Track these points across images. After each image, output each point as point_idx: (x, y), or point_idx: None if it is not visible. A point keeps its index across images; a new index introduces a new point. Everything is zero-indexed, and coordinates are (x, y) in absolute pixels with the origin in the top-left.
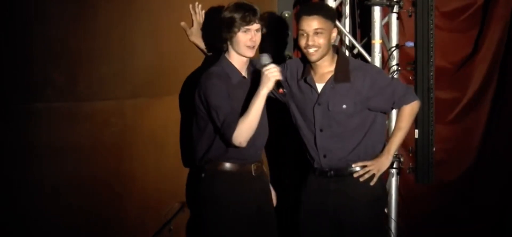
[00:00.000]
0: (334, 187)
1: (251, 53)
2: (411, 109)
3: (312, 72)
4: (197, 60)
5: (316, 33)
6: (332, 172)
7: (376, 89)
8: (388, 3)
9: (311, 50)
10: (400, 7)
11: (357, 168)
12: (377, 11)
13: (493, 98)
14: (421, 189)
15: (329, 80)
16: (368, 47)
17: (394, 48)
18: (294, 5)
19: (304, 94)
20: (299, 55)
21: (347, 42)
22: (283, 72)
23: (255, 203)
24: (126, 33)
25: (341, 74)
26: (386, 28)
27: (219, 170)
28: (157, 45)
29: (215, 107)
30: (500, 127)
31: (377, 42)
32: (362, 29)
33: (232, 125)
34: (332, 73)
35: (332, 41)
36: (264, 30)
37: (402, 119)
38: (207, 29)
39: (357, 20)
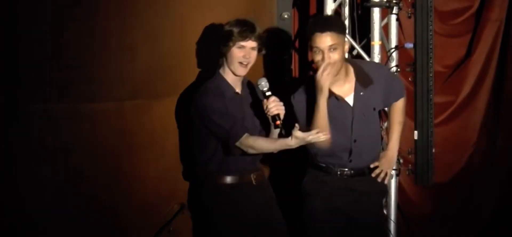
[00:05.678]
0: (352, 186)
1: (242, 72)
2: (403, 102)
3: (333, 88)
4: (196, 61)
5: (330, 49)
6: (352, 171)
7: (388, 82)
8: (387, 5)
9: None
10: (399, 9)
11: (372, 167)
12: (376, 12)
13: (488, 100)
14: (415, 191)
15: (356, 89)
16: (368, 49)
17: (393, 50)
18: (293, 6)
19: (336, 111)
20: (297, 66)
21: None
22: (297, 99)
23: (256, 212)
24: (125, 34)
25: (363, 78)
26: (385, 29)
27: (218, 183)
28: (156, 46)
29: (220, 123)
30: (499, 127)
31: (376, 43)
32: (361, 30)
33: (239, 133)
34: (351, 82)
35: (345, 54)
36: (263, 50)
37: (400, 113)
38: (206, 43)
39: (357, 21)
